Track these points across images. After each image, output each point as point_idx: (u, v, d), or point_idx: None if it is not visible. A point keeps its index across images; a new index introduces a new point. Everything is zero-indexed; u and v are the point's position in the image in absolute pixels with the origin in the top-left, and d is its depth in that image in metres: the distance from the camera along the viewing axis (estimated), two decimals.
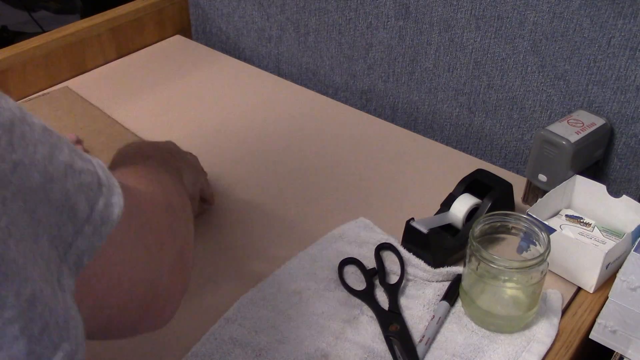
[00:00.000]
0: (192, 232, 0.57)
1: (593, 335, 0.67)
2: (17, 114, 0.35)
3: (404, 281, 0.72)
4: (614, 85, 0.82)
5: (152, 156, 0.65)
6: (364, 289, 0.71)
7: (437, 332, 0.67)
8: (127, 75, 1.12)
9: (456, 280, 0.71)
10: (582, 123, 0.80)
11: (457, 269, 0.73)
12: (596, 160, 0.84)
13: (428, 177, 0.90)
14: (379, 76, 1.06)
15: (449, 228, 0.78)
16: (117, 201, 0.40)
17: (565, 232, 0.75)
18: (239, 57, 1.21)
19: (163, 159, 0.66)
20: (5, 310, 0.31)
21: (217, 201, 0.83)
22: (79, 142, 0.91)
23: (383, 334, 0.66)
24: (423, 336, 0.65)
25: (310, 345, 0.65)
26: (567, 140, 0.77)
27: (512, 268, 0.63)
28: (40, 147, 0.35)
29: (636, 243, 0.63)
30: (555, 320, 0.68)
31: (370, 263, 0.74)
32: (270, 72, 1.15)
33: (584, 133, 0.79)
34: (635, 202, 0.75)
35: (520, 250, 0.72)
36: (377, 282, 0.72)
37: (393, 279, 0.73)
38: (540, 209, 0.76)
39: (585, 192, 0.79)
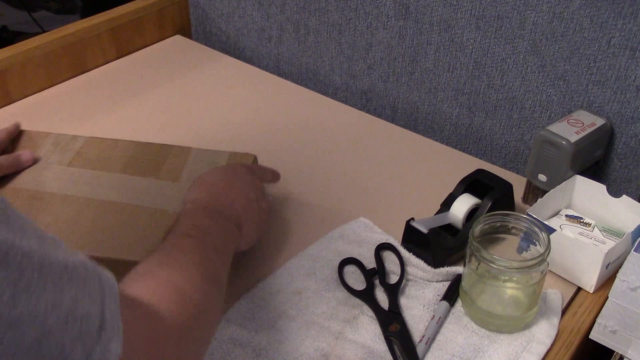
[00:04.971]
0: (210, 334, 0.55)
1: (593, 335, 0.67)
2: (35, 259, 0.33)
3: (404, 281, 0.72)
4: (614, 85, 0.82)
5: (211, 230, 0.61)
6: (364, 289, 0.71)
7: (437, 332, 0.67)
8: (127, 75, 1.12)
9: (456, 280, 0.71)
10: (582, 123, 0.80)
11: (457, 269, 0.73)
12: (596, 160, 0.84)
13: (428, 177, 0.90)
14: (379, 76, 1.06)
15: (449, 228, 0.78)
16: (115, 349, 0.38)
17: (565, 232, 0.75)
18: (239, 57, 1.21)
19: (224, 230, 0.63)
20: None
21: None
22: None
23: (383, 334, 0.66)
24: (423, 336, 0.65)
25: (310, 345, 0.65)
26: (567, 140, 0.77)
27: (512, 268, 0.63)
28: (44, 296, 0.34)
29: (636, 243, 0.63)
30: (555, 320, 0.68)
31: (370, 263, 0.74)
32: (270, 72, 1.15)
33: (584, 133, 0.79)
34: (635, 202, 0.75)
35: (520, 250, 0.72)
36: (377, 282, 0.72)
37: (393, 279, 0.73)
38: (540, 209, 0.76)
39: (585, 192, 0.79)
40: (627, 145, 0.84)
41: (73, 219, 0.71)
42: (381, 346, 0.65)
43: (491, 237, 0.69)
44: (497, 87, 0.93)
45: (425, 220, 0.75)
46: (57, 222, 0.70)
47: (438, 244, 0.73)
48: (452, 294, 0.70)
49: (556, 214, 0.80)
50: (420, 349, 0.64)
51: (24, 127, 0.87)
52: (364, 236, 0.78)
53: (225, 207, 0.65)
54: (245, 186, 0.70)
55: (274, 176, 0.80)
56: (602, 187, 0.78)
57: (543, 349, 0.65)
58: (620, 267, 0.63)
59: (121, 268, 0.66)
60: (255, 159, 0.82)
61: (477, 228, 0.66)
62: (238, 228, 0.65)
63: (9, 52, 1.02)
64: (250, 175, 0.72)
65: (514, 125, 0.94)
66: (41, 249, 0.35)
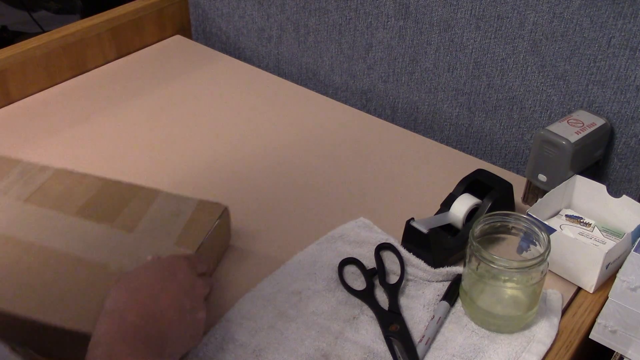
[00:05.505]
0: None
1: (593, 335, 0.67)
2: None
3: (404, 281, 0.72)
4: (614, 85, 0.82)
5: None
6: (364, 289, 0.71)
7: (437, 332, 0.67)
8: (127, 75, 1.12)
9: (456, 280, 0.71)
10: (582, 123, 0.80)
11: (457, 269, 0.73)
12: (596, 160, 0.84)
13: (428, 177, 0.90)
14: (379, 76, 1.06)
15: (449, 228, 0.78)
16: None
17: (565, 232, 0.75)
18: (239, 57, 1.21)
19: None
20: None
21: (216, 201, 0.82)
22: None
23: (383, 334, 0.66)
24: (423, 336, 0.65)
25: (310, 345, 0.65)
26: (567, 140, 0.77)
27: (512, 268, 0.63)
28: None
29: (636, 243, 0.63)
30: (555, 320, 0.68)
31: (370, 263, 0.74)
32: (270, 72, 1.15)
33: (584, 133, 0.79)
34: (635, 202, 0.75)
35: (520, 250, 0.72)
36: (377, 282, 0.72)
37: (393, 279, 0.73)
38: (540, 209, 0.76)
39: (585, 192, 0.79)
40: (627, 145, 0.84)
41: (9, 266, 0.66)
42: (381, 346, 0.65)
43: (491, 237, 0.69)
44: (497, 87, 0.93)
45: (425, 220, 0.75)
46: None
47: (438, 244, 0.73)
48: (452, 294, 0.70)
49: (556, 214, 0.80)
50: (420, 349, 0.64)
51: (24, 127, 0.87)
52: (364, 236, 0.78)
53: (149, 322, 0.55)
54: (180, 293, 0.58)
55: (209, 270, 0.67)
56: (602, 187, 0.78)
57: (543, 349, 0.65)
58: (620, 267, 0.63)
59: (43, 332, 0.61)
60: (225, 209, 0.74)
61: (477, 228, 0.66)
62: (159, 355, 0.54)
63: (9, 52, 1.02)
64: (192, 276, 0.60)
65: (514, 125, 0.94)
66: None
